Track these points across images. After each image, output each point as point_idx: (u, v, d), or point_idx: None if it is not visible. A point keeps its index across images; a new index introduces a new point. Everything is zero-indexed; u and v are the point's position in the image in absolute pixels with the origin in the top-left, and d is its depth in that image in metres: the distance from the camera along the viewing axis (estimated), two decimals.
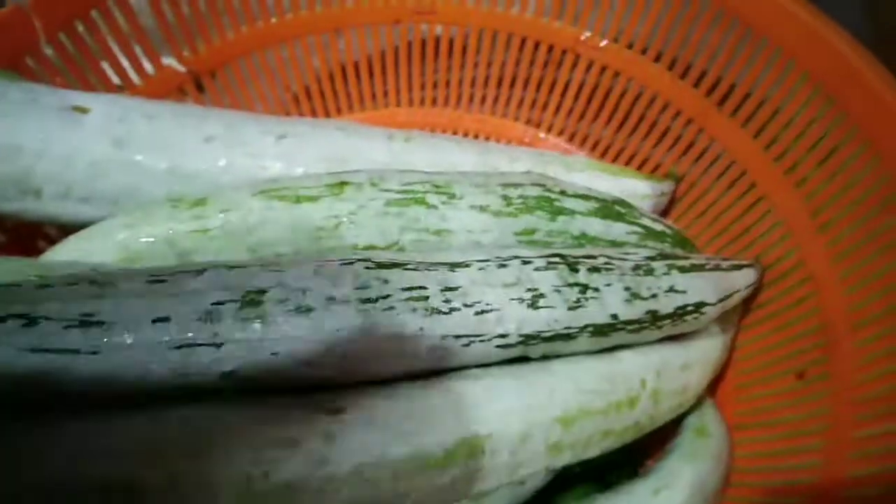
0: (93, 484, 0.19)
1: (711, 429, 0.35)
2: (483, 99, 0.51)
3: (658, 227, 0.39)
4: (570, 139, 0.50)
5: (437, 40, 0.48)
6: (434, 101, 0.51)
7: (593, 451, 0.30)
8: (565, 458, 0.28)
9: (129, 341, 0.21)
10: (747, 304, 0.39)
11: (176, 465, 0.20)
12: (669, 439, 0.36)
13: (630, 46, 0.44)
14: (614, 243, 0.38)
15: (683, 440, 0.35)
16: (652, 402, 0.31)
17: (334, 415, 0.24)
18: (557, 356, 0.29)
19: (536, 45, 0.47)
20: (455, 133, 0.50)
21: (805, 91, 0.36)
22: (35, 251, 0.38)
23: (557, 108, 0.49)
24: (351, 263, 0.26)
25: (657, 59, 0.44)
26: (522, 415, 0.26)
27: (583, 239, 0.37)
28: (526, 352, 0.28)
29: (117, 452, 0.20)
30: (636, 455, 0.38)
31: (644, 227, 0.38)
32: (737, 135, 0.41)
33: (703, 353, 0.35)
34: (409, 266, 0.27)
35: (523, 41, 0.47)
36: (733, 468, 0.36)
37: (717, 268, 0.36)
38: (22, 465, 0.19)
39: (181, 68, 0.42)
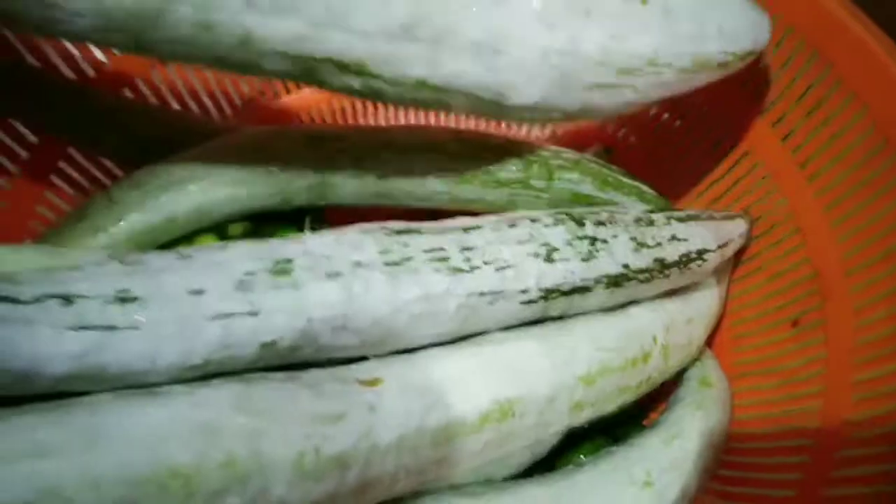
0: (148, 470, 0.19)
1: (713, 379, 0.36)
2: None
3: (644, 187, 0.40)
4: None
5: None
6: None
7: (611, 407, 0.30)
8: (585, 416, 0.29)
9: (167, 315, 0.20)
10: (739, 256, 0.40)
11: (233, 445, 0.20)
12: (672, 391, 0.37)
13: None
14: (608, 202, 0.38)
15: (688, 391, 0.36)
16: (663, 356, 0.32)
17: (372, 386, 0.24)
18: (574, 315, 0.30)
19: None
20: None
21: (790, 44, 0.37)
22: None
23: None
24: (368, 232, 0.26)
25: None
26: (548, 376, 0.27)
27: (579, 198, 0.37)
28: (546, 309, 0.29)
29: (170, 435, 0.19)
30: (641, 409, 0.39)
31: (635, 187, 0.39)
32: (724, 89, 0.42)
33: (704, 306, 0.36)
34: (424, 231, 0.27)
35: None
36: (735, 417, 0.37)
37: (710, 218, 0.37)
38: (70, 452, 0.18)
39: None
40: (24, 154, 0.39)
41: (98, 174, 0.42)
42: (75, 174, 0.41)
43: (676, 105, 0.45)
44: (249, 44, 0.24)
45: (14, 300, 0.19)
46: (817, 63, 0.36)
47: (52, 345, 0.19)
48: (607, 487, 0.30)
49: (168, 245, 0.34)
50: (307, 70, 0.25)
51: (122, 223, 0.33)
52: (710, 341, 0.39)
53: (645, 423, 0.39)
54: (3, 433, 0.18)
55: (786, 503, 0.32)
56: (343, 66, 0.25)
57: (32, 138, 0.38)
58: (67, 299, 0.19)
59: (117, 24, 0.22)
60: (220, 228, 0.36)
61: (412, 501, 0.26)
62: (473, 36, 0.26)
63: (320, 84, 0.27)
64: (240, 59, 0.24)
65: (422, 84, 0.27)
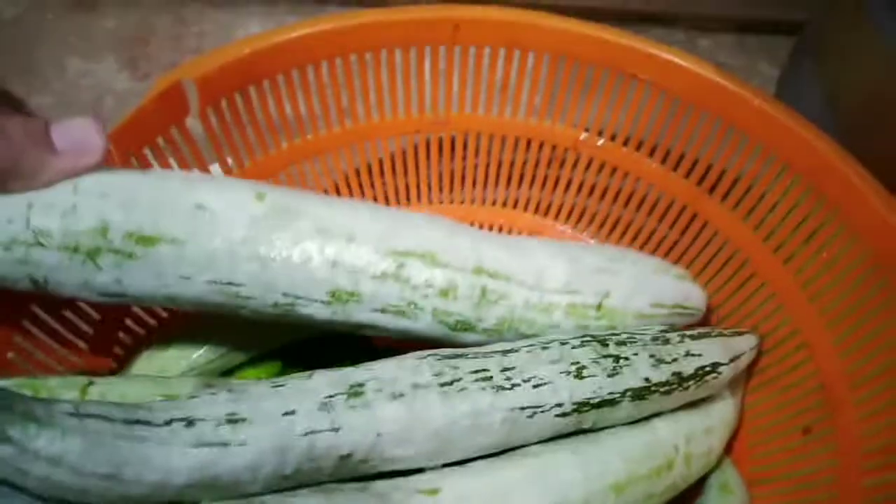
0: None
1: (733, 485, 0.39)
2: (495, 194, 0.56)
3: None
4: (576, 224, 0.55)
5: (453, 141, 0.54)
6: (451, 200, 0.56)
7: None
8: None
9: (266, 433, 0.25)
10: (752, 369, 0.44)
11: None
12: (694, 498, 0.40)
13: (625, 143, 0.50)
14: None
15: (710, 498, 0.39)
16: (685, 464, 0.35)
17: (433, 495, 0.27)
18: (603, 428, 0.34)
19: (541, 145, 0.53)
20: (472, 224, 0.55)
21: (786, 180, 0.42)
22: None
23: (563, 199, 0.54)
24: (423, 358, 0.31)
25: (651, 153, 0.49)
26: (582, 485, 0.31)
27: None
28: (579, 421, 0.32)
29: None
30: None
31: None
32: (728, 217, 0.46)
33: (721, 416, 0.40)
34: (469, 356, 0.32)
35: (529, 142, 0.53)
36: None
37: (720, 335, 0.41)
38: None
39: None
40: None
41: None
42: None
43: None
44: None
45: (150, 423, 0.23)
46: (811, 196, 0.41)
47: (179, 459, 0.23)
48: None
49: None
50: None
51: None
52: (728, 449, 0.43)
53: None
54: None
55: None
56: None
57: None
58: (190, 422, 0.24)
59: None
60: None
61: None
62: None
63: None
64: None
65: None
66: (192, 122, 0.44)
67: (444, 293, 0.33)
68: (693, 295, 0.43)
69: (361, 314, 0.32)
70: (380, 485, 0.28)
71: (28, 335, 0.37)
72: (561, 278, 0.36)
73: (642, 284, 0.40)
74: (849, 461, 0.37)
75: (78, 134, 0.28)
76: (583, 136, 0.51)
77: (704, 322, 0.46)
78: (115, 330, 0.43)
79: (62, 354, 0.39)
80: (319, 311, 0.32)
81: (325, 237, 0.31)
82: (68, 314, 0.40)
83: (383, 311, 0.32)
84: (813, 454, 0.39)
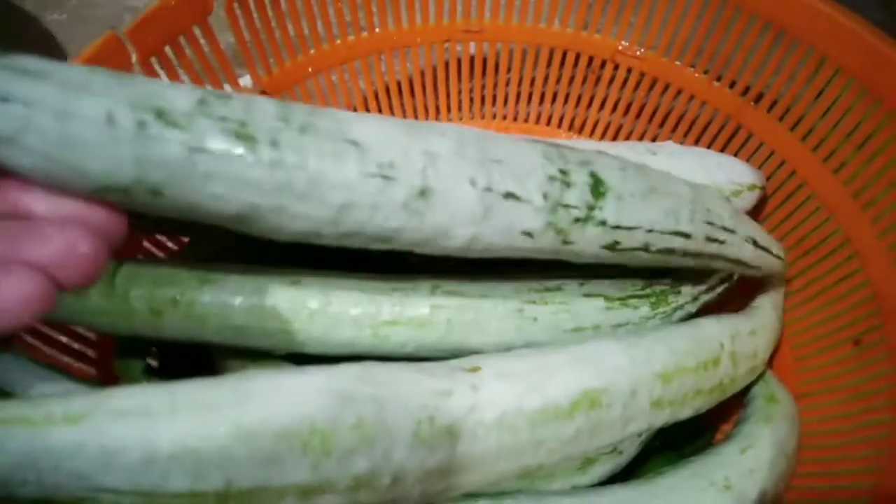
0: (292, 426, 0.21)
1: (779, 395, 0.38)
2: (528, 109, 0.54)
3: None
4: (614, 139, 0.53)
5: (485, 57, 0.52)
6: (482, 115, 0.54)
7: (687, 411, 0.32)
8: (665, 416, 0.31)
9: None
10: (797, 283, 0.42)
11: (361, 410, 0.22)
12: (738, 413, 0.38)
13: (667, 54, 0.48)
14: None
15: (756, 407, 0.37)
16: (731, 363, 0.34)
17: (473, 372, 0.26)
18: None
19: (577, 58, 0.50)
20: None
21: (839, 85, 0.40)
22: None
23: (599, 113, 0.52)
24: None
25: (693, 65, 0.47)
26: (629, 371, 0.29)
27: None
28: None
29: (309, 398, 0.22)
30: (708, 431, 0.40)
31: None
32: (774, 128, 0.44)
33: (765, 320, 0.38)
34: None
35: (565, 54, 0.50)
36: (803, 433, 0.38)
37: None
38: (225, 408, 0.21)
39: (257, 88, 0.45)
40: None
41: None
42: None
43: None
44: None
45: None
46: (866, 99, 0.38)
47: None
48: (690, 490, 0.31)
49: None
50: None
51: None
52: (772, 364, 0.41)
53: (714, 443, 0.40)
54: (172, 394, 0.21)
55: None
56: None
57: None
58: None
59: None
60: None
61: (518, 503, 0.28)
62: None
63: None
64: None
65: None
66: (216, 24, 0.42)
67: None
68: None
69: None
70: (420, 363, 0.26)
71: None
72: None
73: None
74: None
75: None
76: (622, 45, 0.49)
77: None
78: None
79: None
80: None
81: None
82: None
83: None
84: (865, 364, 0.37)
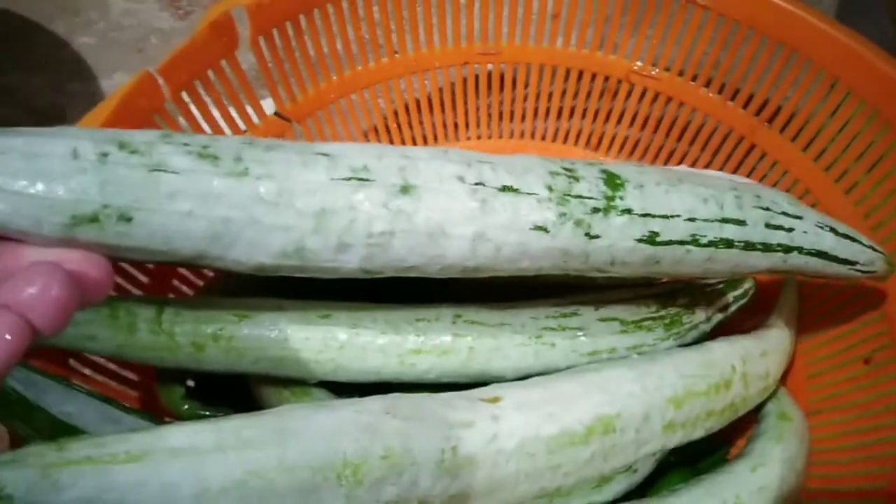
0: (326, 459, 0.23)
1: (791, 413, 0.39)
2: (545, 126, 0.55)
3: None
4: (628, 158, 0.54)
5: (502, 75, 0.53)
6: (500, 133, 0.56)
7: (699, 432, 0.33)
8: (677, 438, 0.32)
9: None
10: (809, 303, 0.44)
11: (389, 441, 0.24)
12: (753, 428, 0.40)
13: (681, 74, 0.49)
14: None
15: (768, 425, 0.38)
16: (742, 384, 0.35)
17: (493, 403, 0.28)
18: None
19: (593, 77, 0.52)
20: None
21: (850, 107, 0.41)
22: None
23: (615, 132, 0.53)
24: None
25: (707, 84, 0.48)
26: (641, 397, 0.30)
27: None
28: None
29: (340, 433, 0.24)
30: (723, 446, 0.42)
31: None
32: (787, 148, 0.45)
33: (776, 343, 0.39)
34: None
35: (581, 74, 0.52)
36: (813, 449, 0.39)
37: None
38: (268, 445, 0.23)
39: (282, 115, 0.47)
40: None
41: None
42: None
43: None
44: None
45: None
46: (876, 123, 0.39)
47: None
48: None
49: None
50: None
51: None
52: (786, 381, 0.42)
53: (728, 458, 0.41)
54: (220, 431, 0.23)
55: None
56: None
57: None
58: None
59: None
60: None
61: None
62: None
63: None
64: None
65: None
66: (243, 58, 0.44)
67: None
68: None
69: None
70: (442, 395, 0.28)
71: None
72: None
73: None
74: None
75: None
76: (636, 65, 0.50)
77: None
78: None
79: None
80: None
81: None
82: None
83: None
84: (875, 382, 0.38)
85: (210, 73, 0.43)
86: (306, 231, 0.23)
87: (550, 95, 0.54)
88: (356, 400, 0.26)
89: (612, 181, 0.27)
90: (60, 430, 0.27)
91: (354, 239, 0.23)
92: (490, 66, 0.53)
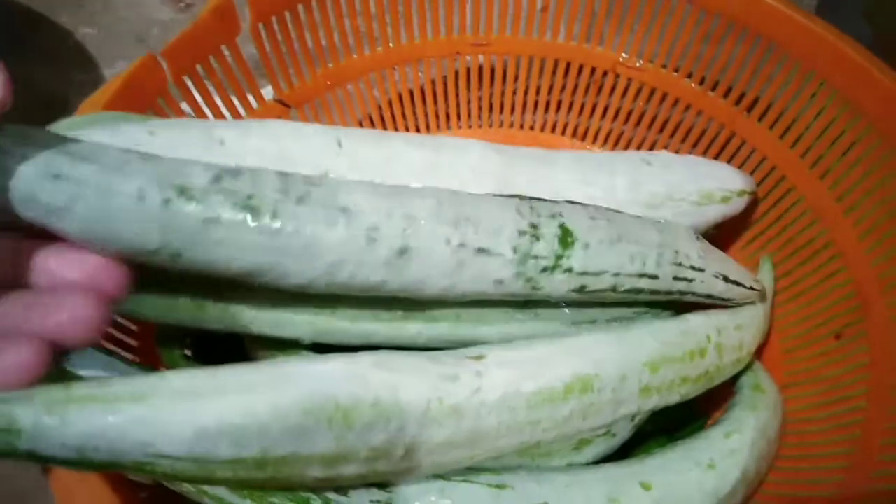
0: (319, 402, 0.25)
1: (765, 386, 0.41)
2: (534, 118, 0.57)
3: None
4: (613, 148, 0.56)
5: (492, 67, 0.55)
6: (490, 123, 0.58)
7: (674, 397, 0.35)
8: (653, 401, 0.34)
9: None
10: (785, 281, 0.45)
11: (378, 391, 0.26)
12: (728, 399, 0.41)
13: (664, 66, 0.51)
14: None
15: (743, 396, 0.40)
16: (717, 353, 0.37)
17: (478, 360, 0.29)
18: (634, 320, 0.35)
19: (580, 69, 0.54)
20: None
21: (824, 95, 0.42)
22: None
23: (601, 121, 0.55)
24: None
25: (689, 75, 0.50)
26: (619, 360, 0.32)
27: None
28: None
29: (332, 381, 0.25)
30: (700, 419, 0.44)
31: None
32: (765, 136, 0.47)
33: (750, 316, 0.41)
34: None
35: (568, 65, 0.54)
36: (788, 420, 0.41)
37: None
38: (263, 390, 0.24)
39: (279, 100, 0.49)
40: None
41: None
42: None
43: None
44: None
45: None
46: (848, 112, 0.41)
47: None
48: (677, 469, 0.34)
49: None
50: None
51: None
52: (761, 356, 0.44)
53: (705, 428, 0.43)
54: (217, 377, 0.24)
55: (837, 486, 0.36)
56: None
57: None
58: None
59: None
60: None
61: (518, 477, 0.31)
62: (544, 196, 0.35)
63: None
64: None
65: None
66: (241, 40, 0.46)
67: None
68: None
69: None
70: (430, 353, 0.29)
71: None
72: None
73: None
74: (881, 360, 0.38)
75: None
76: (622, 57, 0.52)
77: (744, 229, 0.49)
78: None
79: None
80: None
81: None
82: None
83: None
84: (846, 356, 0.40)
85: (212, 59, 0.45)
86: (319, 276, 0.27)
87: (539, 89, 0.56)
88: (348, 354, 0.27)
89: (566, 239, 0.32)
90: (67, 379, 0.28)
91: (354, 285, 0.28)
92: (481, 58, 0.55)
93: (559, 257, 0.31)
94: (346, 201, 0.27)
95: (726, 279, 0.38)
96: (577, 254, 0.32)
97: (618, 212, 0.35)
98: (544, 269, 0.31)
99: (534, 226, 0.31)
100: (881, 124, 0.39)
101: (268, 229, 0.25)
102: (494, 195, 0.32)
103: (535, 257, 0.31)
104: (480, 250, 0.29)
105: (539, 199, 0.33)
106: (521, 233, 0.30)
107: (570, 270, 0.32)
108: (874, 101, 0.40)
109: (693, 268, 0.36)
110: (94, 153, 0.23)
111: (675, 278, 0.35)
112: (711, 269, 0.37)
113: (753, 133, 0.48)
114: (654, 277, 0.34)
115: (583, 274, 0.32)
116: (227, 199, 0.25)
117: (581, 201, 0.35)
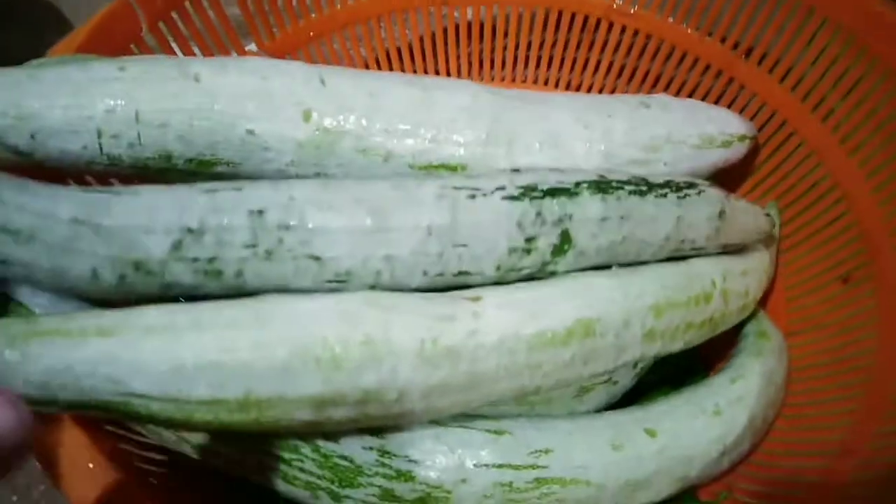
0: (305, 341, 0.23)
1: (770, 332, 0.39)
2: (525, 73, 0.55)
3: None
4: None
5: (482, 22, 0.53)
6: (481, 79, 0.56)
7: (678, 344, 0.34)
8: (656, 347, 0.32)
9: None
10: (790, 226, 0.44)
11: (369, 329, 0.24)
12: (734, 346, 0.40)
13: (659, 11, 0.49)
14: None
15: (748, 342, 0.39)
16: (722, 299, 0.35)
17: (475, 301, 0.28)
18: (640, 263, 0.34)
19: (572, 17, 0.52)
20: None
21: (826, 35, 0.41)
22: None
23: (595, 71, 0.53)
24: None
25: (685, 21, 0.48)
26: (622, 303, 0.31)
27: None
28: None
29: (320, 318, 0.24)
30: (704, 367, 0.42)
31: None
32: (765, 80, 0.46)
33: (757, 262, 0.39)
34: None
35: (560, 14, 0.52)
36: (794, 367, 0.40)
37: None
38: (246, 326, 0.23)
39: (261, 53, 0.47)
40: None
41: None
42: None
43: None
44: None
45: None
46: (852, 48, 0.40)
47: None
48: (682, 415, 0.33)
49: None
50: None
51: None
52: (766, 304, 0.43)
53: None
54: (196, 312, 0.23)
55: (844, 430, 0.34)
56: None
57: None
58: None
59: None
60: None
61: (517, 423, 0.30)
62: (539, 138, 0.35)
63: None
64: None
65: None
66: None
67: None
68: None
69: None
70: (424, 293, 0.28)
71: None
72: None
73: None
74: (889, 302, 0.37)
75: None
76: (616, 3, 0.50)
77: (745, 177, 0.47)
78: None
79: None
80: None
81: None
82: None
83: None
84: (853, 300, 0.39)
85: (188, 6, 0.43)
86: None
87: (530, 44, 0.54)
88: (337, 293, 0.26)
89: (561, 248, 0.31)
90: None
91: None
92: (470, 14, 0.53)
93: (546, 264, 0.31)
94: (316, 251, 0.26)
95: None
96: (569, 259, 0.31)
97: (643, 195, 0.33)
98: (530, 278, 0.31)
99: (530, 239, 0.30)
100: (886, 60, 0.38)
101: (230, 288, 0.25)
102: (503, 198, 0.29)
103: (520, 269, 0.30)
104: (461, 273, 0.29)
105: (552, 194, 0.30)
106: (512, 251, 0.29)
107: (553, 275, 0.31)
108: (877, 37, 0.38)
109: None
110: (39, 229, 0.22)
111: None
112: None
113: (752, 77, 0.46)
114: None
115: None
116: (186, 268, 0.24)
117: (583, 153, 0.35)
